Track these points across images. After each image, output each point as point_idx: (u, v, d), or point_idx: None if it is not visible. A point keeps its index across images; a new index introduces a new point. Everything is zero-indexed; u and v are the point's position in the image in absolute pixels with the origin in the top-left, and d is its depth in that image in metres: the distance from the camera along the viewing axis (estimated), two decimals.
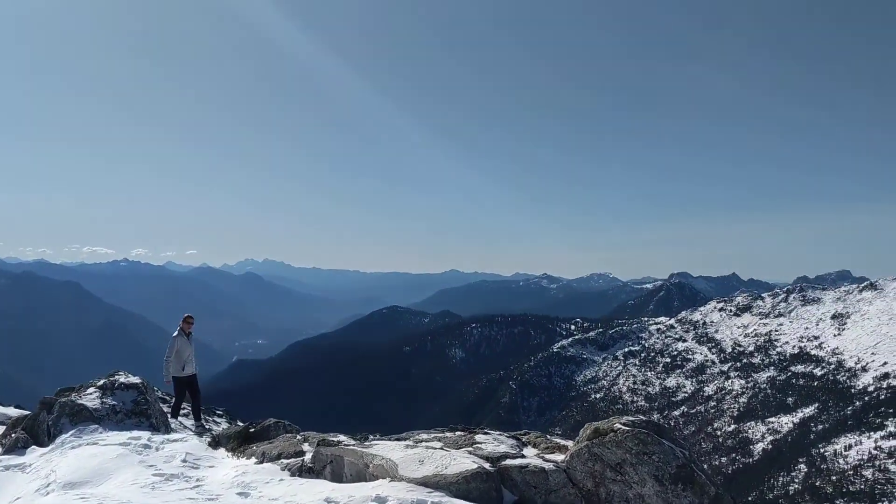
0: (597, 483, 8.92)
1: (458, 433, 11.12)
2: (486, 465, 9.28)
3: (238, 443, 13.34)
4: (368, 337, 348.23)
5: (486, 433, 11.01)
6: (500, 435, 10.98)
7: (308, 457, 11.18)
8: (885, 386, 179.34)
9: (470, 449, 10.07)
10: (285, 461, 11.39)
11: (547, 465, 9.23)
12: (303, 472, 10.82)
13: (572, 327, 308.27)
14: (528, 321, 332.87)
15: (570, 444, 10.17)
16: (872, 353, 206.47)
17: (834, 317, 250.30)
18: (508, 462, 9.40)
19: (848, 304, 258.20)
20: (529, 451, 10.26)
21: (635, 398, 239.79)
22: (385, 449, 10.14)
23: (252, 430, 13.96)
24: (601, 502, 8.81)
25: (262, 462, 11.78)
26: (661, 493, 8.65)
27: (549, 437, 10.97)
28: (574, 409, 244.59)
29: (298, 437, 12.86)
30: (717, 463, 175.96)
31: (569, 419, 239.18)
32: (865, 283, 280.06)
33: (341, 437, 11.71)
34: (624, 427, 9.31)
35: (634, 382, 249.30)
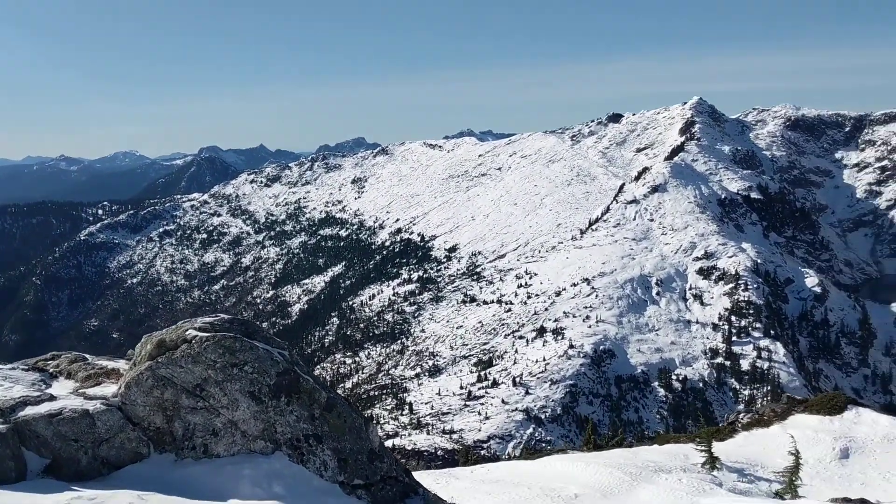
0: (169, 417, 6.66)
1: None
2: None
3: None
4: None
5: None
6: (14, 370, 7.77)
7: None
8: (398, 239, 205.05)
9: None
10: None
11: (92, 406, 6.63)
12: None
13: (100, 212, 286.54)
14: (49, 209, 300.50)
15: (122, 365, 7.49)
16: (387, 212, 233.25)
17: (354, 181, 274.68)
18: (30, 412, 6.54)
19: (365, 168, 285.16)
20: (63, 387, 7.37)
21: (175, 277, 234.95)
22: None
23: None
24: (178, 442, 6.64)
25: None
26: (261, 414, 6.80)
27: (90, 358, 8.00)
28: (110, 297, 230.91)
29: None
30: None
31: (105, 308, 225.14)
32: (378, 149, 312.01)
33: None
34: (201, 334, 6.99)
35: (173, 262, 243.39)
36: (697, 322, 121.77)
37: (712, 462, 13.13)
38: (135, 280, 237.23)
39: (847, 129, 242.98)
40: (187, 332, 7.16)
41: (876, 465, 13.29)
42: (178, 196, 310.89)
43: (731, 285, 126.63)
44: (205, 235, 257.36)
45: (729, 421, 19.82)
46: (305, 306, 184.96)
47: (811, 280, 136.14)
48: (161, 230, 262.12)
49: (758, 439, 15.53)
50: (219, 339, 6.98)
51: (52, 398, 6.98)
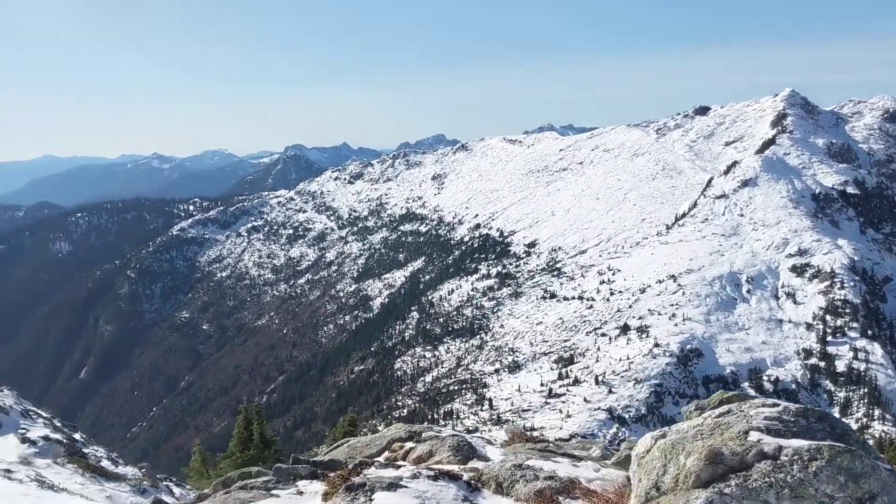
0: None
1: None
2: None
3: None
4: None
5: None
6: (416, 477, 6.18)
7: None
8: (477, 235, 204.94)
9: None
10: None
11: None
12: None
13: (191, 208, 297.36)
14: (142, 205, 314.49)
15: (578, 472, 5.40)
16: (466, 208, 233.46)
17: (434, 178, 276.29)
18: None
19: (444, 165, 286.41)
20: None
21: (262, 271, 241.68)
22: None
23: None
24: None
25: None
26: None
27: (471, 440, 5.76)
28: (200, 290, 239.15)
29: None
30: (341, 321, 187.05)
31: (196, 301, 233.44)
32: (458, 146, 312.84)
33: None
34: (792, 443, 4.35)
35: (260, 256, 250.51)
36: (790, 321, 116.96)
37: None
38: (224, 274, 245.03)
39: None
40: (755, 439, 4.38)
41: None
42: (265, 193, 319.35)
43: (826, 283, 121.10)
44: (290, 231, 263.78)
45: None
46: (386, 300, 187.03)
47: None
48: (249, 226, 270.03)
49: None
50: (832, 457, 4.19)
51: None
